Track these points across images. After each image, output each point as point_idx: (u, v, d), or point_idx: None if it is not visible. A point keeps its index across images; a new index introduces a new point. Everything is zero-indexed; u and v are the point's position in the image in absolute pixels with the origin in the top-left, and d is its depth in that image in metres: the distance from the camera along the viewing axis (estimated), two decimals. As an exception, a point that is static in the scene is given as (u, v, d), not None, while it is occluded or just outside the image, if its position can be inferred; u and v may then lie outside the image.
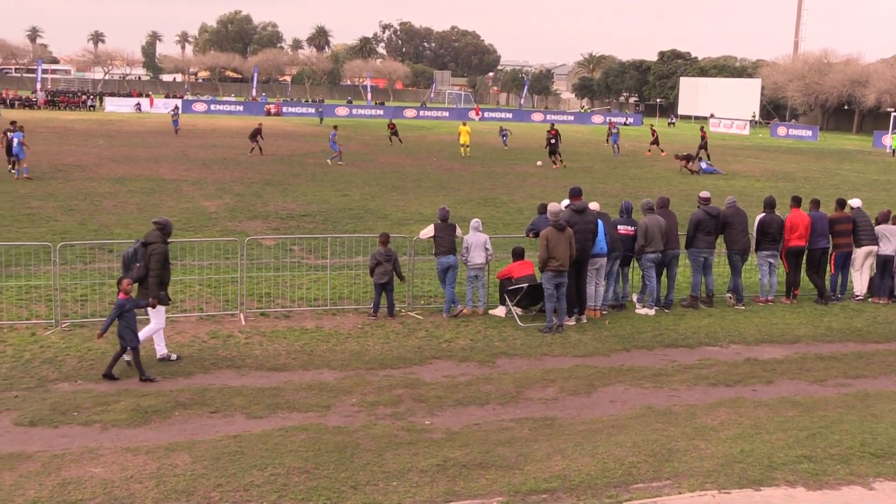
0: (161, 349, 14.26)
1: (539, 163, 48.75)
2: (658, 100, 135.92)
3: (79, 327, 15.66)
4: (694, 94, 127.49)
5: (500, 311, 17.49)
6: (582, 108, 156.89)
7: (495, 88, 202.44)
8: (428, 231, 17.85)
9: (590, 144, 67.40)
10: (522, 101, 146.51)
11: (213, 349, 14.75)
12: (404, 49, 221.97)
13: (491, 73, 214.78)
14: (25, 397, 12.38)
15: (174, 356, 14.28)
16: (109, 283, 18.28)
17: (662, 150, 56.60)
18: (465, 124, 55.46)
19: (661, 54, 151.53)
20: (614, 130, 59.86)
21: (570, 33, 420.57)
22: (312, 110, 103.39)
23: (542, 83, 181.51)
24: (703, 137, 53.52)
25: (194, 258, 20.73)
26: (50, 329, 15.47)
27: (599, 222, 17.17)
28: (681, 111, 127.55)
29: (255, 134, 49.43)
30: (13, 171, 35.58)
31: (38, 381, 13.03)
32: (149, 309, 14.01)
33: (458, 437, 11.33)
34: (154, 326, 14.17)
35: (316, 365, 14.20)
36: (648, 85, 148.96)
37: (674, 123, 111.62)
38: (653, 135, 58.34)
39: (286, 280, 18.99)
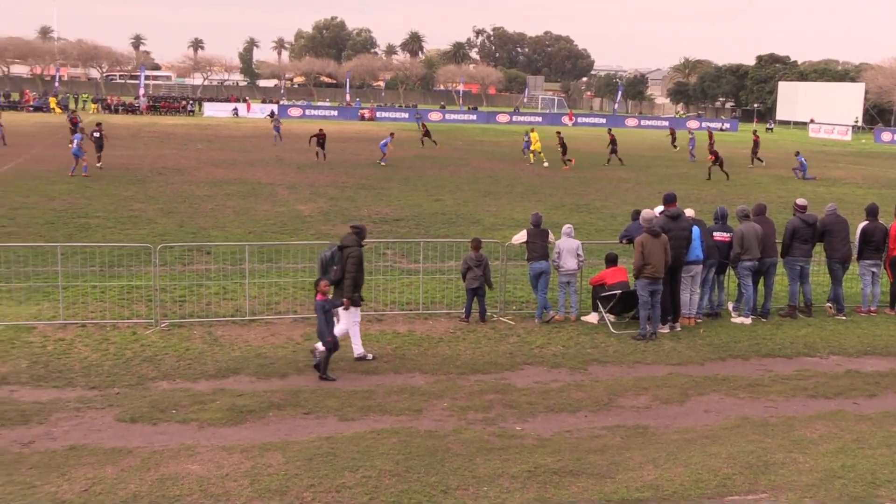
0: (358, 349, 14.52)
1: (545, 164, 49.52)
2: (755, 105, 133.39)
3: (177, 327, 16.02)
4: (793, 99, 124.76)
5: (592, 317, 17.37)
6: (677, 112, 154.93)
7: (589, 93, 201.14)
8: (520, 236, 17.81)
9: (684, 150, 66.43)
10: (616, 106, 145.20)
11: (306, 351, 14.93)
12: (497, 54, 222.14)
13: (584, 78, 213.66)
14: (126, 394, 12.73)
15: (370, 356, 14.54)
16: (206, 285, 18.70)
17: (761, 160, 55.18)
18: (533, 130, 55.22)
19: (759, 58, 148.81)
20: (690, 136, 59.96)
21: (666, 37, 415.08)
22: (406, 115, 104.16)
23: (636, 88, 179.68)
24: (755, 142, 55.96)
25: (289, 261, 21.05)
26: (150, 328, 15.87)
27: (695, 229, 16.93)
28: (779, 116, 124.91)
29: (317, 140, 48.71)
30: (78, 168, 38.38)
31: (139, 379, 13.38)
32: (340, 310, 14.32)
33: (550, 444, 11.28)
34: (343, 327, 14.46)
35: (408, 368, 14.29)
36: (745, 90, 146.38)
37: (772, 129, 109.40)
38: (755, 142, 56.85)
39: (379, 284, 19.14)
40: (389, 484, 9.88)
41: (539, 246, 17.36)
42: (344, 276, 14.36)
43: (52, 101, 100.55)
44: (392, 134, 51.36)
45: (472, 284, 16.91)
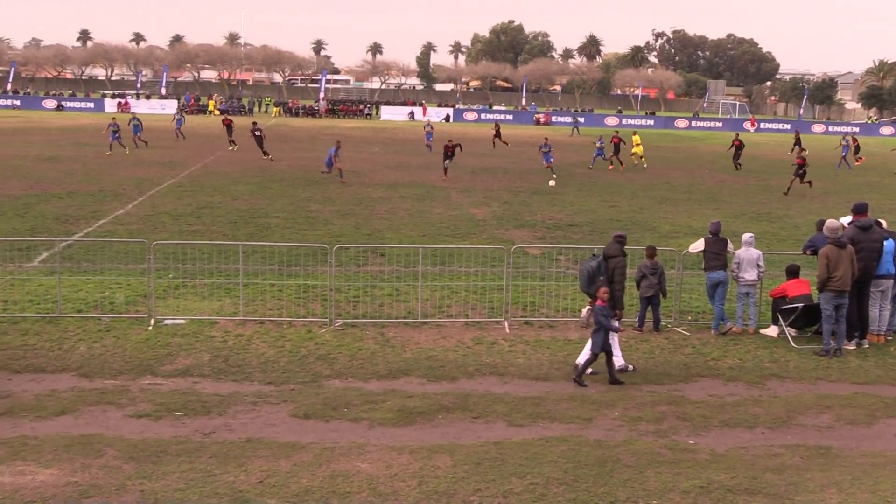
0: (619, 360, 14.34)
1: (552, 182, 41.06)
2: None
3: (350, 327, 16.32)
4: None
5: (772, 330, 16.73)
6: (869, 118, 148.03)
7: (773, 98, 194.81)
8: (698, 245, 17.34)
9: (876, 157, 63.48)
10: (802, 111, 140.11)
11: (477, 355, 14.96)
12: (677, 58, 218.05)
13: (768, 83, 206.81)
14: (301, 391, 13.04)
15: (631, 367, 14.41)
16: (380, 286, 18.99)
17: None
18: (635, 133, 53.60)
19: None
20: (844, 143, 57.23)
21: (858, 39, 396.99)
22: (582, 120, 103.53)
23: (823, 92, 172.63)
24: (854, 143, 56.51)
25: (461, 264, 21.16)
26: (324, 327, 16.22)
27: (888, 242, 16.07)
28: None
29: (449, 150, 43.87)
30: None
31: (313, 377, 13.68)
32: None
33: (724, 460, 10.91)
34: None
35: (578, 376, 14.10)
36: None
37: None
38: None
39: (551, 290, 19.00)
40: (557, 492, 9.77)
41: (717, 255, 16.87)
42: (612, 287, 14.18)
43: (211, 104, 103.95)
44: (339, 143, 42.05)
45: (646, 293, 16.58)
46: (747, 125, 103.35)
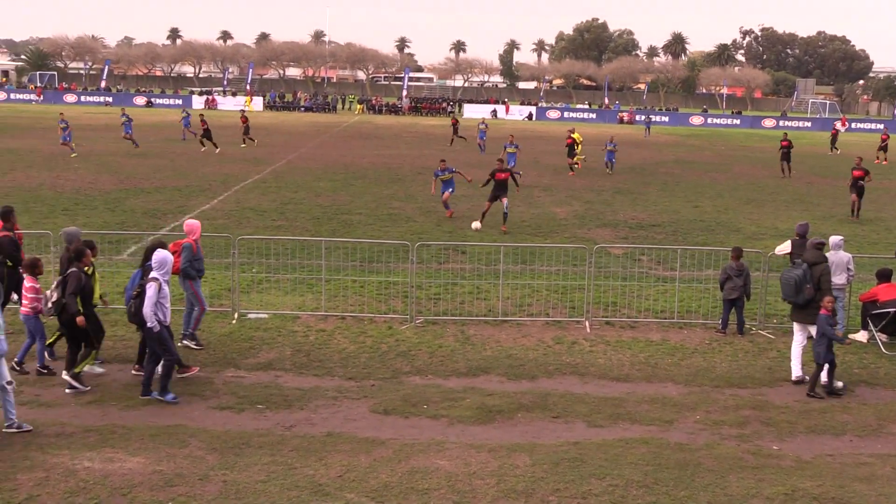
0: (797, 370, 14.12)
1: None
2: None
3: (431, 324, 16.36)
4: None
5: (861, 335, 16.32)
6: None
7: (865, 97, 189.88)
8: (784, 247, 17.02)
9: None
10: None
11: (557, 354, 14.88)
12: (765, 56, 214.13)
13: (861, 81, 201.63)
14: (381, 387, 13.11)
15: (807, 377, 14.00)
16: (461, 283, 19.00)
17: None
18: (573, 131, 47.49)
19: None
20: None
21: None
22: (667, 119, 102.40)
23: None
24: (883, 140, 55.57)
25: (543, 263, 21.07)
26: (405, 324, 16.28)
27: None
28: None
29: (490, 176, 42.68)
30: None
31: (393, 373, 13.75)
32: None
33: (809, 467, 10.68)
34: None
35: (660, 378, 13.94)
36: None
37: None
38: None
39: (633, 290, 18.81)
40: (637, 495, 9.67)
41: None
42: (820, 294, 13.92)
43: (248, 100, 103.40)
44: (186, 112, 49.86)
45: (730, 295, 16.32)
46: (838, 125, 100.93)
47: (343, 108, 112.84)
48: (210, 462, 10.22)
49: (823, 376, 13.58)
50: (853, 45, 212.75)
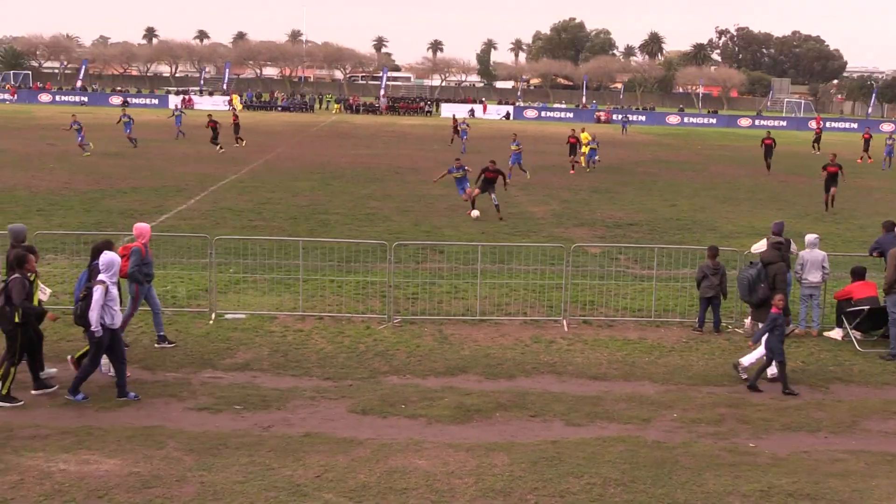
0: (772, 368, 13.89)
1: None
2: None
3: (409, 323, 16.36)
4: None
5: (836, 333, 16.44)
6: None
7: (839, 97, 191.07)
8: (760, 246, 17.09)
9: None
10: (871, 110, 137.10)
11: (535, 353, 14.91)
12: (741, 55, 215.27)
13: (835, 81, 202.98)
14: (359, 387, 13.10)
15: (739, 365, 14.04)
16: (439, 283, 19.01)
17: None
18: (583, 130, 48.02)
19: None
20: (889, 142, 54.52)
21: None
22: (644, 118, 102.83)
23: (894, 91, 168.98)
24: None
25: (520, 262, 21.11)
26: (383, 324, 16.28)
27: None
28: None
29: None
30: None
31: (371, 373, 13.74)
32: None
33: (785, 464, 10.75)
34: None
35: (637, 376, 14.00)
36: None
37: None
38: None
39: (610, 289, 18.88)
40: (614, 493, 9.71)
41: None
42: (774, 293, 13.97)
43: (235, 98, 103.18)
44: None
45: (706, 293, 16.41)
46: (812, 124, 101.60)
47: (320, 107, 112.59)
48: (187, 463, 10.18)
49: (771, 370, 13.73)
50: (827, 45, 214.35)
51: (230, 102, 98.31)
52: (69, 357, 13.17)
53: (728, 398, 13.12)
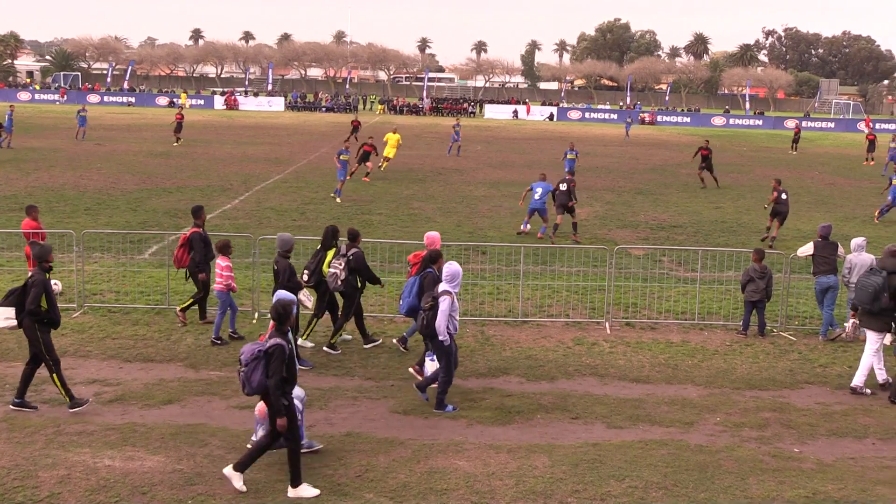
0: (882, 374, 13.88)
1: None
2: None
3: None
4: None
5: (887, 338, 16.15)
6: None
7: (890, 98, 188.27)
8: (806, 249, 16.91)
9: None
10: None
11: (577, 356, 14.85)
12: (788, 56, 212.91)
13: (886, 82, 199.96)
14: (401, 387, 13.12)
15: (868, 391, 13.65)
16: (481, 284, 18.99)
17: None
18: (395, 132, 43.45)
19: None
20: (893, 144, 51.14)
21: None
22: (688, 119, 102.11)
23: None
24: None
25: (563, 264, 21.03)
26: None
27: None
28: None
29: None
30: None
31: (412, 374, 13.73)
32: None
33: (831, 470, 10.62)
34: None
35: (680, 380, 13.89)
36: None
37: None
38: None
39: (654, 291, 18.76)
40: (656, 497, 9.64)
41: (827, 259, 16.44)
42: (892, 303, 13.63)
43: (183, 97, 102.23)
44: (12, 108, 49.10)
45: (752, 297, 16.24)
46: (861, 125, 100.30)
47: (364, 108, 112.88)
48: (230, 461, 10.25)
49: (881, 375, 13.68)
50: (878, 46, 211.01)
51: (179, 101, 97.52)
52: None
53: (772, 402, 12.98)
